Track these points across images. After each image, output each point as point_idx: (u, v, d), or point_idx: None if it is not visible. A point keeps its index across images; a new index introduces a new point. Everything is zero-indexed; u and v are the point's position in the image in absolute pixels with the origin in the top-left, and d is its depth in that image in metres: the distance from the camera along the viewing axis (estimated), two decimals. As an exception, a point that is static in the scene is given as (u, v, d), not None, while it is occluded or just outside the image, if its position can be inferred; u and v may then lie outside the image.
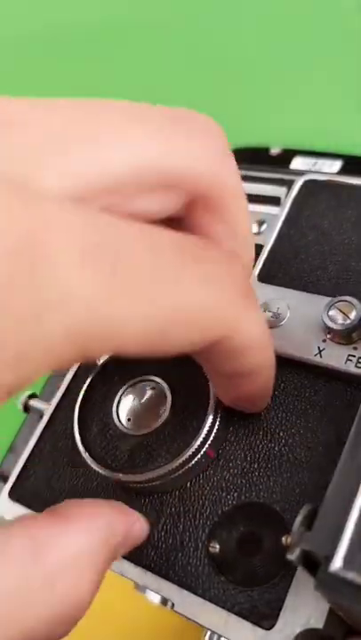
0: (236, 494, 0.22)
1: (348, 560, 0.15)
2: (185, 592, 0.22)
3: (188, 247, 0.16)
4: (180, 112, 0.18)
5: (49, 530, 0.17)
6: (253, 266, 0.26)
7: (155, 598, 0.23)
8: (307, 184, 0.27)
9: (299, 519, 0.17)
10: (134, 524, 0.20)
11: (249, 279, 0.19)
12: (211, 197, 0.18)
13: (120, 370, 0.25)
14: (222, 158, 0.18)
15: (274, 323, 0.24)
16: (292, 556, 0.16)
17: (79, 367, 0.27)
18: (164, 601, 0.22)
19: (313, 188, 0.27)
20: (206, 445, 0.23)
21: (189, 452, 0.22)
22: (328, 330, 0.23)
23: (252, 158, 0.31)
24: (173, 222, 0.19)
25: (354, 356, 0.22)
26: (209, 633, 0.21)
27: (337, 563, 0.15)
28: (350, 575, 0.15)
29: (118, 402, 0.24)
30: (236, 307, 0.17)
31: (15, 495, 0.26)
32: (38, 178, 0.15)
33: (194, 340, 0.17)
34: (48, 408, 0.27)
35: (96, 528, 0.18)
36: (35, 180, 0.15)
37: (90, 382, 0.25)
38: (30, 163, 0.15)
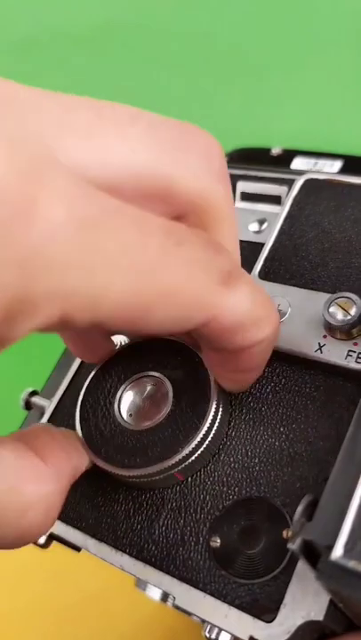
0: (236, 489, 0.22)
1: (348, 549, 0.15)
2: (186, 586, 0.22)
3: (176, 232, 0.17)
4: (186, 126, 0.18)
5: (30, 463, 0.20)
6: (254, 263, 0.26)
7: (155, 594, 0.23)
8: (307, 183, 0.27)
9: (300, 510, 0.17)
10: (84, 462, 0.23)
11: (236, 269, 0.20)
12: (202, 214, 0.19)
13: (122, 366, 0.25)
14: (218, 178, 0.19)
15: (275, 319, 0.24)
16: (294, 546, 0.16)
17: (81, 364, 0.28)
18: (165, 596, 0.22)
19: (313, 187, 0.27)
20: (207, 441, 0.23)
21: (190, 447, 0.22)
22: (328, 326, 0.23)
23: (253, 158, 0.32)
24: None
25: (354, 352, 0.22)
26: (209, 626, 0.21)
27: (338, 551, 0.15)
28: (351, 564, 0.15)
29: (120, 397, 0.24)
30: (216, 291, 0.18)
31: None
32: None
33: (176, 320, 0.17)
34: (49, 405, 0.27)
35: (65, 475, 0.21)
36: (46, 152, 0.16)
37: (91, 379, 0.25)
38: (47, 138, 0.16)
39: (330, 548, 0.16)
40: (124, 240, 0.15)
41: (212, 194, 0.19)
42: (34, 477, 0.19)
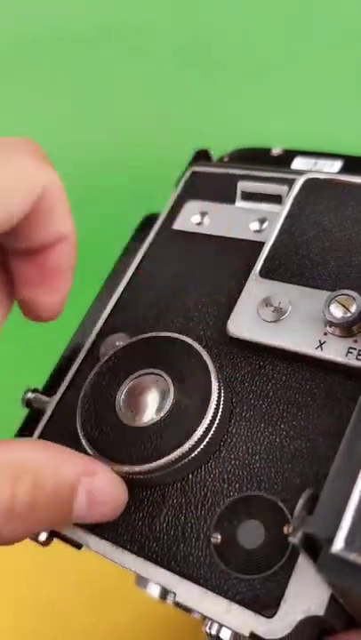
0: (237, 485, 0.22)
1: (349, 542, 0.15)
2: (187, 582, 0.22)
3: None
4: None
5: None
6: (254, 262, 0.26)
7: (156, 590, 0.24)
8: (307, 182, 0.27)
9: (300, 503, 0.17)
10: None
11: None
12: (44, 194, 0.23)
13: (123, 363, 0.25)
14: (49, 164, 0.23)
15: (276, 317, 0.24)
16: (295, 540, 0.16)
17: (82, 362, 0.28)
18: (166, 593, 0.22)
19: (314, 187, 0.27)
20: (208, 437, 0.23)
21: (191, 444, 0.22)
22: (329, 323, 0.23)
23: (253, 158, 0.32)
24: None
25: (354, 349, 0.22)
26: (210, 622, 0.21)
27: (338, 544, 0.15)
28: (352, 556, 0.15)
29: (121, 395, 0.24)
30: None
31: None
32: None
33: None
34: (50, 403, 0.27)
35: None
36: None
37: (93, 376, 0.25)
38: None
39: (330, 540, 0.16)
40: None
41: (49, 179, 0.23)
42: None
